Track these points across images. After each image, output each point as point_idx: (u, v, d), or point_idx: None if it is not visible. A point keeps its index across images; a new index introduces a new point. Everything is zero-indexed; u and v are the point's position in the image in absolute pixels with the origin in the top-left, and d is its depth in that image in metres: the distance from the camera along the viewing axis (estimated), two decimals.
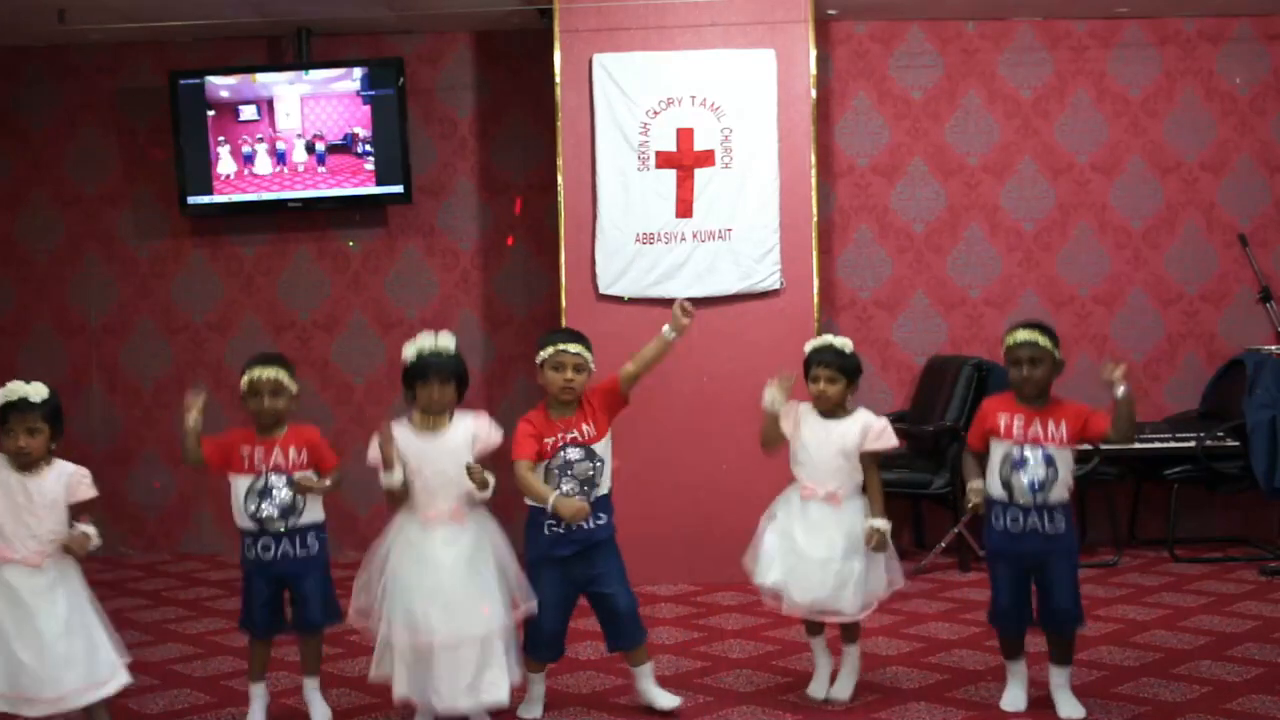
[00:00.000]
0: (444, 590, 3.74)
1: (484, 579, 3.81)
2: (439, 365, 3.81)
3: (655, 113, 5.86)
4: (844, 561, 3.95)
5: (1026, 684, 4.03)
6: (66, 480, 3.62)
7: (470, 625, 3.74)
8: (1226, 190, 6.74)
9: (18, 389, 3.57)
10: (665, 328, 4.01)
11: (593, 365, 3.97)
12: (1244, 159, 6.74)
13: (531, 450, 3.89)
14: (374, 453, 3.79)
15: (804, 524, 3.99)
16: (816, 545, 3.96)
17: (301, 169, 6.51)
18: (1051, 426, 3.85)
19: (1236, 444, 6.02)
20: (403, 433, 3.84)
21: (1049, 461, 3.83)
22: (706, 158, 5.86)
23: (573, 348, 3.93)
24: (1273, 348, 6.31)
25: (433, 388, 3.81)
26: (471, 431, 3.87)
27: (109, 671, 3.62)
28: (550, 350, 3.94)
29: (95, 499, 3.68)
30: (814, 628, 4.16)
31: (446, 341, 3.85)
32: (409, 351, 3.84)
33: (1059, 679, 3.95)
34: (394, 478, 3.77)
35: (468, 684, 3.75)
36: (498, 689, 3.77)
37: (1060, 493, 3.86)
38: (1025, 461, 3.85)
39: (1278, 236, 6.75)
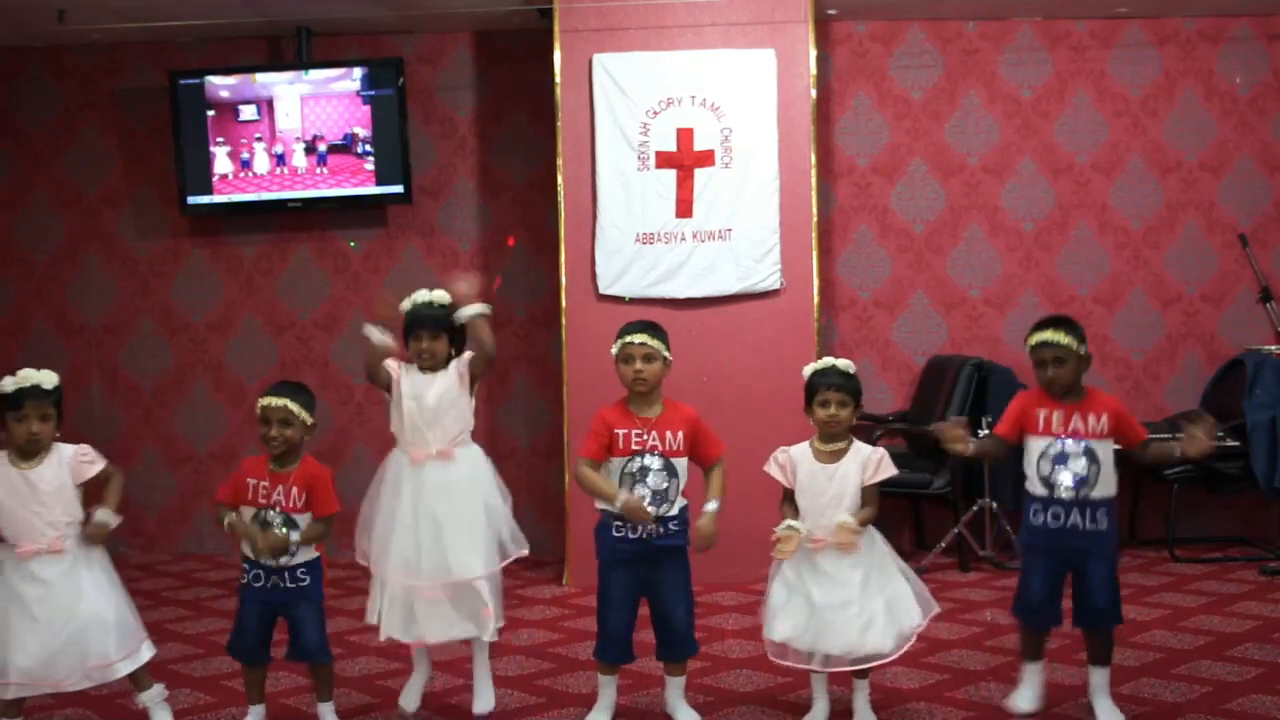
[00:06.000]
0: (426, 531, 3.84)
1: (468, 522, 3.87)
2: (429, 317, 3.90)
3: (655, 113, 5.86)
4: (864, 600, 3.75)
5: (1041, 688, 3.96)
6: (68, 463, 3.74)
7: (451, 568, 3.83)
8: (1226, 190, 6.74)
9: (30, 375, 3.72)
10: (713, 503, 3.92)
11: (666, 354, 3.90)
12: (1244, 159, 6.74)
13: (595, 448, 3.86)
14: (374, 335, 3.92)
15: (813, 573, 3.76)
16: (833, 591, 3.76)
17: (301, 169, 6.51)
18: (1092, 420, 3.77)
19: (1236, 444, 6.02)
20: (406, 368, 3.94)
21: (1090, 456, 3.76)
22: (706, 158, 5.86)
23: (638, 338, 3.87)
24: (1273, 348, 6.31)
25: (422, 339, 3.89)
26: (457, 371, 3.95)
27: (137, 642, 3.80)
28: (618, 344, 3.92)
29: (110, 470, 3.81)
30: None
31: (440, 295, 3.94)
32: (404, 304, 3.95)
33: (1099, 679, 3.87)
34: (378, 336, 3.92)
35: (453, 619, 3.88)
36: (484, 624, 3.89)
37: (1104, 488, 3.79)
38: (1066, 456, 3.77)
39: (1278, 236, 6.75)
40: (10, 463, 3.71)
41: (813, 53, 5.89)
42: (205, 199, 6.57)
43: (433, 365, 3.92)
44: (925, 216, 6.71)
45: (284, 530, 3.73)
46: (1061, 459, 3.79)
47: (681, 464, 3.90)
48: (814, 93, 5.90)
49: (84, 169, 6.91)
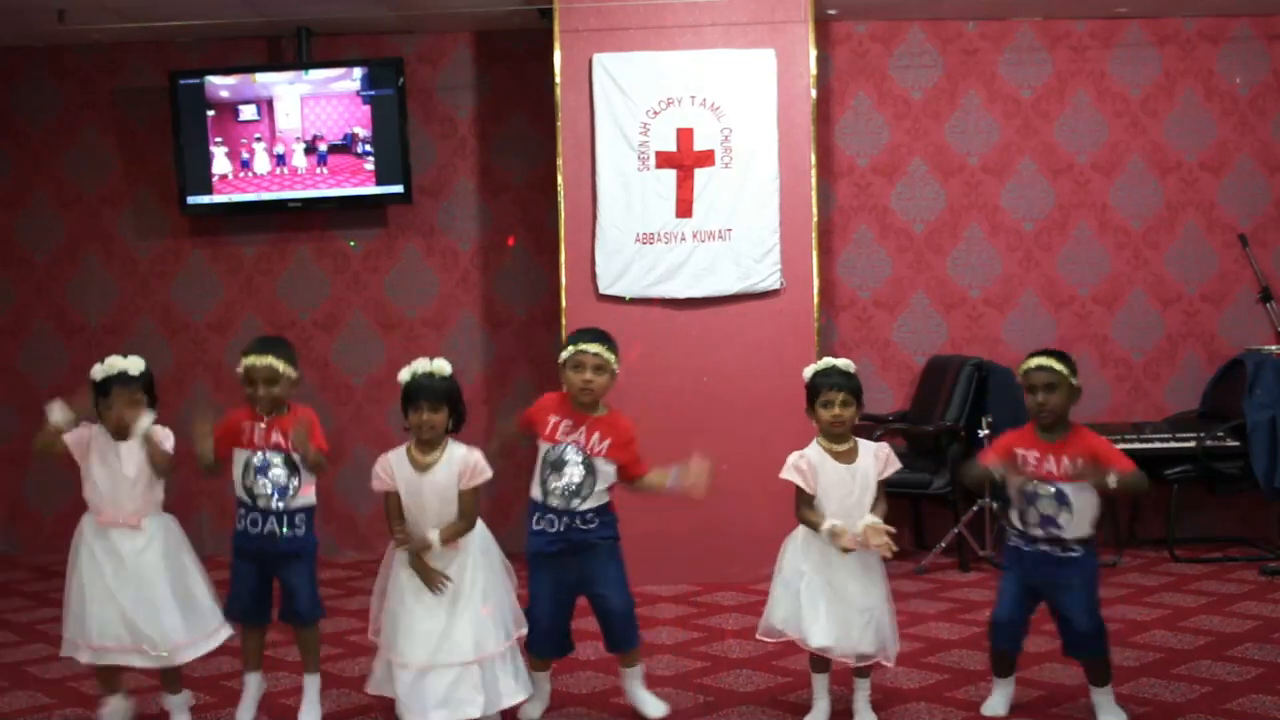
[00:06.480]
0: (422, 616, 3.74)
1: (466, 607, 3.76)
2: (429, 388, 3.76)
3: (655, 113, 5.86)
4: (878, 604, 3.81)
5: (1010, 698, 3.99)
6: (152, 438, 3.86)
7: (444, 653, 3.72)
8: (1226, 190, 6.74)
9: (117, 363, 3.86)
10: (673, 474, 3.92)
11: (615, 366, 3.94)
12: (1244, 159, 6.74)
13: (524, 420, 4.02)
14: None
15: (846, 575, 3.76)
16: (870, 592, 3.79)
17: (301, 169, 6.51)
18: (1066, 462, 3.76)
19: (1236, 444, 6.03)
20: (398, 463, 3.81)
21: (1061, 499, 3.74)
22: (706, 158, 5.86)
23: (592, 348, 3.90)
24: (1273, 348, 6.31)
25: (423, 411, 3.75)
26: (458, 469, 3.79)
27: (212, 626, 3.87)
28: (570, 350, 3.94)
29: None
30: (821, 664, 3.89)
31: (441, 366, 3.81)
32: (404, 375, 3.83)
33: (1100, 697, 3.87)
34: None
35: (439, 700, 3.70)
36: (470, 706, 3.71)
37: (1075, 529, 3.75)
38: (1036, 497, 3.78)
39: (1278, 236, 6.75)
40: (106, 434, 3.84)
41: (813, 53, 5.89)
42: (205, 199, 6.57)
43: (433, 439, 3.79)
44: (925, 216, 6.71)
45: (283, 470, 3.88)
46: (1031, 499, 3.80)
47: (604, 466, 3.92)
48: (814, 93, 5.90)
49: (84, 169, 6.91)
